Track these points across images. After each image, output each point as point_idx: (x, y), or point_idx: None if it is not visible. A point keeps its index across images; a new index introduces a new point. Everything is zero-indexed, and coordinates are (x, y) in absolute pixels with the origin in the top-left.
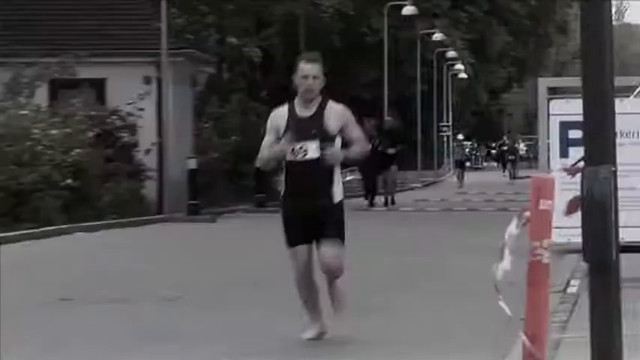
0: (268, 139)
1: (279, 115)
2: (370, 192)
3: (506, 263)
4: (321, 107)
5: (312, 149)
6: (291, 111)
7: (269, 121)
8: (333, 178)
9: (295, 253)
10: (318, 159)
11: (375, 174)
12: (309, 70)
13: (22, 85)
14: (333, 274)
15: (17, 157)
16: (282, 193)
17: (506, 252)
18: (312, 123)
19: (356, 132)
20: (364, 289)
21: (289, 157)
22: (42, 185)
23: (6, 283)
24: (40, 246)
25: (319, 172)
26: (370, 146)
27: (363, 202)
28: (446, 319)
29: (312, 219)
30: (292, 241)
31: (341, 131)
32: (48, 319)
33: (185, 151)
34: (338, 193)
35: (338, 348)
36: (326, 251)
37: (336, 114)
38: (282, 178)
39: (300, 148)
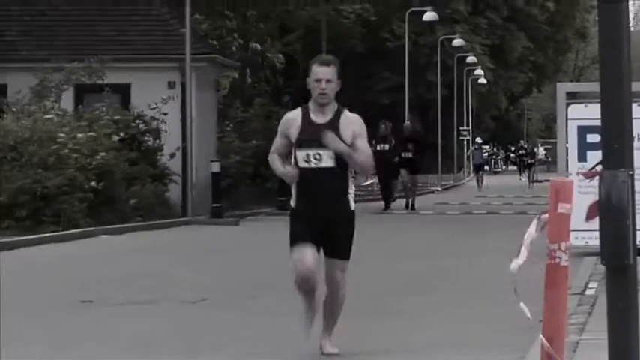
0: (279, 142)
1: (292, 119)
2: (386, 196)
3: (521, 258)
4: (337, 115)
5: (326, 157)
6: (305, 116)
7: (281, 124)
8: (347, 187)
9: (299, 253)
10: (333, 168)
11: (390, 178)
12: (322, 73)
13: (49, 90)
14: (337, 290)
15: (43, 161)
16: (293, 203)
17: (523, 249)
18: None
19: (364, 143)
20: (382, 293)
21: (302, 164)
22: (67, 188)
23: (28, 284)
24: (65, 248)
25: (334, 180)
26: (373, 161)
27: (382, 205)
28: (464, 321)
29: (324, 227)
30: (298, 236)
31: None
32: (64, 320)
33: (209, 155)
34: (352, 202)
35: (354, 355)
36: (334, 269)
37: (351, 123)
38: (292, 187)
39: (315, 156)
